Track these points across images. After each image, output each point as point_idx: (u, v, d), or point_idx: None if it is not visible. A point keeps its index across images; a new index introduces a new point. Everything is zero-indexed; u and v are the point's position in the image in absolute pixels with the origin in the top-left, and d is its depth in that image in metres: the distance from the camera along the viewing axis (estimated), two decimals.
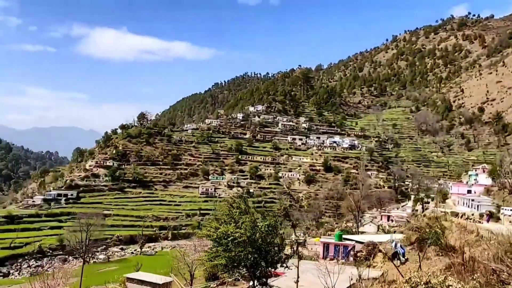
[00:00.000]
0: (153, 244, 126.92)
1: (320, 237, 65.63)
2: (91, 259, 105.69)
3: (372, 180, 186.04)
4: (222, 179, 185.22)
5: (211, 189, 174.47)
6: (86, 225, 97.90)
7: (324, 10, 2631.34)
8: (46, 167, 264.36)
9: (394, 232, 58.06)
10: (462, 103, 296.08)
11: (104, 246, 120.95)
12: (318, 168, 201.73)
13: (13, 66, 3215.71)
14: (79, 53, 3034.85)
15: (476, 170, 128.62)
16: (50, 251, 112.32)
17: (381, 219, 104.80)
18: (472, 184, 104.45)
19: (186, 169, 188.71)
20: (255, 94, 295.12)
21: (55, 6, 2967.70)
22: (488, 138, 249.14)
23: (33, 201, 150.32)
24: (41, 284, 24.67)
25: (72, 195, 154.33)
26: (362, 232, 72.47)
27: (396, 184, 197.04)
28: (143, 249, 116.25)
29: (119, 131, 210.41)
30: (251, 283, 27.41)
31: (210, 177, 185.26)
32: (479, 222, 48.27)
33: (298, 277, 25.77)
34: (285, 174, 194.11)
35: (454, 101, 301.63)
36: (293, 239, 25.17)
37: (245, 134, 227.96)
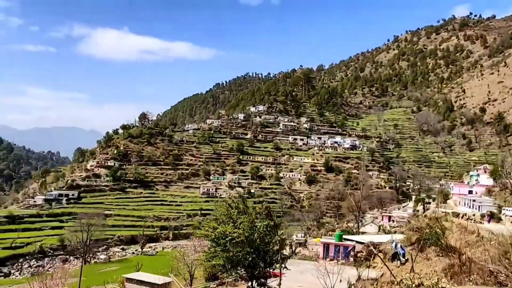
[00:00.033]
0: (154, 244, 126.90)
1: (321, 238, 65.58)
2: (92, 259, 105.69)
3: (373, 181, 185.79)
4: (223, 179, 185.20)
5: (212, 189, 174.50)
6: (87, 225, 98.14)
7: (325, 10, 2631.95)
8: (47, 167, 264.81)
9: (395, 232, 57.92)
10: (464, 103, 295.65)
11: (105, 246, 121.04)
12: (319, 168, 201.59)
13: (14, 66, 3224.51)
14: (80, 53, 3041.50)
15: (477, 171, 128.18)
16: (51, 251, 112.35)
17: (382, 219, 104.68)
18: (474, 185, 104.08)
19: (187, 169, 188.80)
20: (256, 94, 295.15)
21: (56, 6, 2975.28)
22: (489, 139, 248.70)
23: (34, 201, 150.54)
24: (39, 284, 24.62)
25: (73, 195, 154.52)
26: (363, 233, 72.39)
27: (397, 184, 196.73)
28: (144, 249, 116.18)
29: (120, 131, 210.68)
30: (250, 283, 27.31)
31: (211, 177, 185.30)
32: (480, 222, 48.12)
33: (280, 283, 25.71)
34: (286, 175, 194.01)
35: (455, 102, 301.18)
36: (276, 239, 24.92)
37: (246, 134, 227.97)
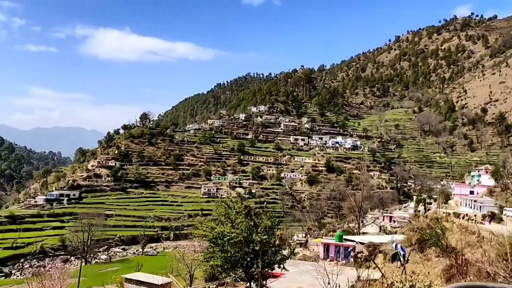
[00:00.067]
0: (155, 244, 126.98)
1: (322, 238, 65.52)
2: (92, 259, 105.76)
3: (374, 181, 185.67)
4: (224, 179, 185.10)
5: (213, 189, 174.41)
6: (88, 225, 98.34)
7: (326, 11, 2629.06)
8: (48, 167, 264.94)
9: (396, 233, 57.81)
10: (465, 103, 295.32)
11: (106, 246, 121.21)
12: (320, 168, 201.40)
13: (17, 66, 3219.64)
14: (82, 53, 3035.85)
15: (478, 171, 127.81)
16: (52, 251, 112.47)
17: (383, 220, 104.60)
18: (475, 185, 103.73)
19: (188, 169, 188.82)
20: (258, 94, 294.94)
21: (58, 7, 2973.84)
22: (491, 139, 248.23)
23: (36, 201, 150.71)
24: (38, 285, 24.55)
25: (74, 195, 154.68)
26: (364, 233, 72.28)
27: (399, 184, 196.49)
28: (145, 250, 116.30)
29: (121, 131, 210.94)
30: (248, 284, 27.20)
31: (212, 178, 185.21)
32: (481, 223, 47.95)
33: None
34: (287, 175, 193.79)
35: (457, 102, 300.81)
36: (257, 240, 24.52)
37: (247, 134, 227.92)
